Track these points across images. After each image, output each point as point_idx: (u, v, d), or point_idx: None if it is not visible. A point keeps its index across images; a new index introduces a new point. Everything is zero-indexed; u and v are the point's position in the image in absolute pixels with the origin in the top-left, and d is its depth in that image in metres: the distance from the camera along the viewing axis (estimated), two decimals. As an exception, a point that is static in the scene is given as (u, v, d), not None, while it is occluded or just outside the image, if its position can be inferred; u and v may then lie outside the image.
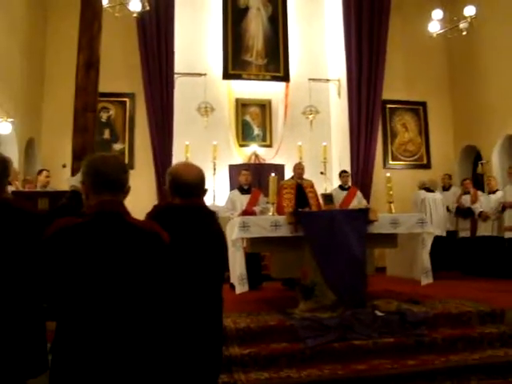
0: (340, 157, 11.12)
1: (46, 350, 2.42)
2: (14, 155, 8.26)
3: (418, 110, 11.58)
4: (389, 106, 11.33)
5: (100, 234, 1.92)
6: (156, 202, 9.49)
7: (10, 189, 5.42)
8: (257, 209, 7.36)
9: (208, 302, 2.41)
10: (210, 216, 2.51)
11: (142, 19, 9.56)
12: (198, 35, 11.08)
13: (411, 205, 9.06)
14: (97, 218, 1.96)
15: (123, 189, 2.07)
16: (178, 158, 9.84)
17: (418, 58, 11.41)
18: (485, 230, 8.75)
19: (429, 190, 9.06)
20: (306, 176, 7.97)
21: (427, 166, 11.39)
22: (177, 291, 2.23)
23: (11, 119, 7.77)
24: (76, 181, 2.41)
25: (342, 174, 8.89)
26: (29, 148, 9.48)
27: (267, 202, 6.97)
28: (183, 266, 2.25)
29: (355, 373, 4.10)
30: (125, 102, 10.55)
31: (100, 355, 1.84)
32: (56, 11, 10.22)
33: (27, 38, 9.28)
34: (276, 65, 11.35)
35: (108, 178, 2.01)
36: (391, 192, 6.40)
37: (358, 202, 8.18)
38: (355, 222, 5.49)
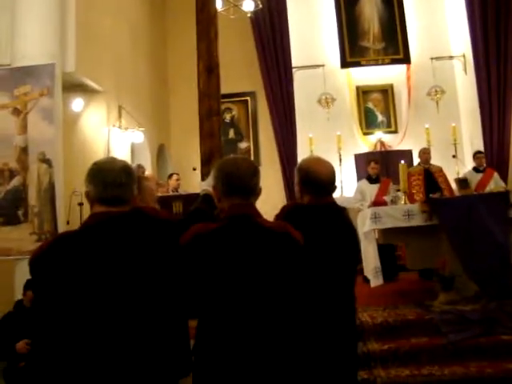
0: (471, 137, 10.41)
1: (190, 349, 2.50)
2: (147, 162, 8.76)
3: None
4: (522, 76, 10.39)
5: (234, 238, 1.95)
6: (284, 198, 9.59)
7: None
8: (387, 198, 7.13)
9: (342, 299, 2.37)
10: (340, 213, 2.46)
11: (255, 18, 9.64)
12: (312, 27, 10.91)
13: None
14: (230, 223, 1.99)
15: (254, 191, 2.07)
16: (302, 151, 9.84)
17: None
18: None
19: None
20: (436, 160, 7.61)
21: None
22: (311, 290, 2.20)
23: (142, 128, 8.23)
24: (207, 185, 2.46)
25: (477, 154, 8.30)
26: (160, 154, 10.00)
27: (397, 190, 6.75)
28: (317, 265, 2.21)
29: (506, 372, 3.81)
30: (246, 100, 10.76)
31: (240, 357, 1.87)
32: (174, 21, 10.65)
33: (150, 50, 9.78)
34: (395, 47, 10.87)
35: (239, 182, 2.03)
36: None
37: (494, 184, 7.62)
38: (495, 207, 5.15)
